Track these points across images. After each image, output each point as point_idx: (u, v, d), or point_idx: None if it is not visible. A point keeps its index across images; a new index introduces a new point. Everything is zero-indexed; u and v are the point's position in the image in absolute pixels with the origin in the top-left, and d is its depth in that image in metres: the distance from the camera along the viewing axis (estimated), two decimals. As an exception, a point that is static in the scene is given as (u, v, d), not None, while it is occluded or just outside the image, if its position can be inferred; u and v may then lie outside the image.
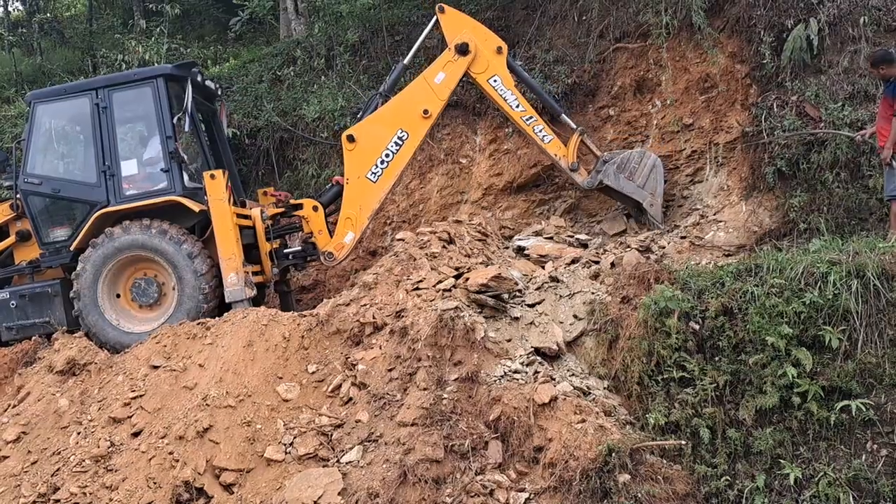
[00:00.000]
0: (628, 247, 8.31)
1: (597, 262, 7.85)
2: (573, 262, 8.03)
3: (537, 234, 9.33)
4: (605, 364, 6.57)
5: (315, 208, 9.36)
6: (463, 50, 9.17)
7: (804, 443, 5.57)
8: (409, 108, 9.25)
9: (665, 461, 5.77)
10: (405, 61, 9.77)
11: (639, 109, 9.95)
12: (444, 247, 8.37)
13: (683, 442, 5.78)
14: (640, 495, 5.43)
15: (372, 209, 9.25)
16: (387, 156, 9.16)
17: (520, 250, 8.79)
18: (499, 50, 9.28)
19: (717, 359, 6.02)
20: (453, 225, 9.01)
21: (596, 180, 9.25)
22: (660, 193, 9.10)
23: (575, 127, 9.45)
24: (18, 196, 9.10)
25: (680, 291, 6.34)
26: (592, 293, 7.18)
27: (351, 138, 9.21)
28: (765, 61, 8.67)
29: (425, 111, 9.18)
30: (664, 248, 8.39)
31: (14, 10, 24.07)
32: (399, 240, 8.66)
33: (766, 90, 8.77)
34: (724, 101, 9.30)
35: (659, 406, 5.97)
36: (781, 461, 5.52)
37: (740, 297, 6.08)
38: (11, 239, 9.40)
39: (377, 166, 9.16)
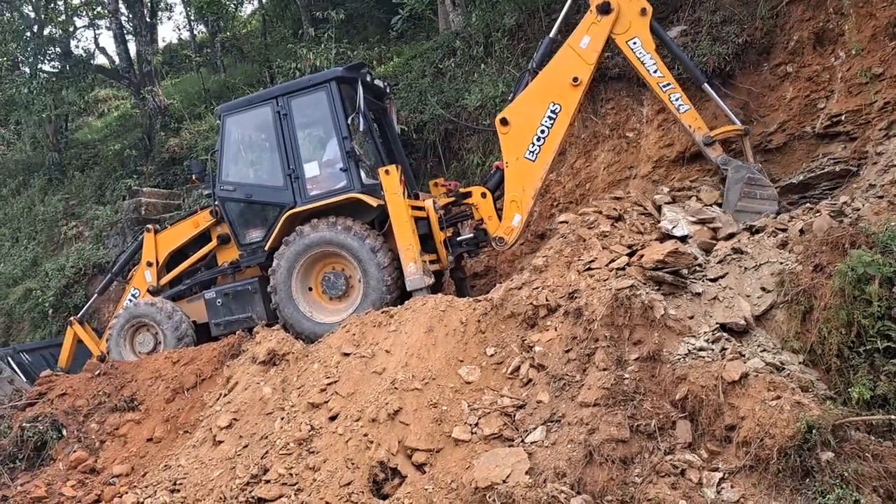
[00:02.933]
0: (818, 211, 7.77)
1: (784, 230, 7.41)
2: (756, 231, 7.64)
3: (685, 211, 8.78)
4: (799, 337, 6.20)
5: (483, 195, 9.47)
6: (605, 9, 8.86)
7: None
8: (557, 79, 9.07)
9: (873, 437, 5.38)
10: (551, 34, 9.54)
11: (820, 63, 9.25)
12: (612, 225, 8.23)
13: (894, 416, 5.36)
14: (846, 474, 5.10)
15: (535, 188, 9.17)
16: (542, 132, 9.06)
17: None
18: (643, 11, 8.89)
19: (926, 326, 5.53)
20: (616, 201, 8.81)
21: (729, 164, 8.79)
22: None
23: (740, 125, 9.00)
24: (216, 203, 9.92)
25: (880, 255, 5.87)
26: (781, 263, 6.80)
27: (504, 121, 9.18)
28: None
29: (574, 79, 8.97)
30: (859, 209, 7.76)
31: (199, 32, 26.18)
32: (562, 222, 8.60)
33: (969, 27, 7.89)
34: (919, 45, 8.46)
35: (863, 379, 5.57)
36: None
37: (950, 257, 5.54)
38: (213, 243, 10.29)
39: (534, 144, 9.08)
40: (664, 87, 8.96)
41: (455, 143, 12.66)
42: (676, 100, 8.95)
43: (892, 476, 5.15)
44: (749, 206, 8.50)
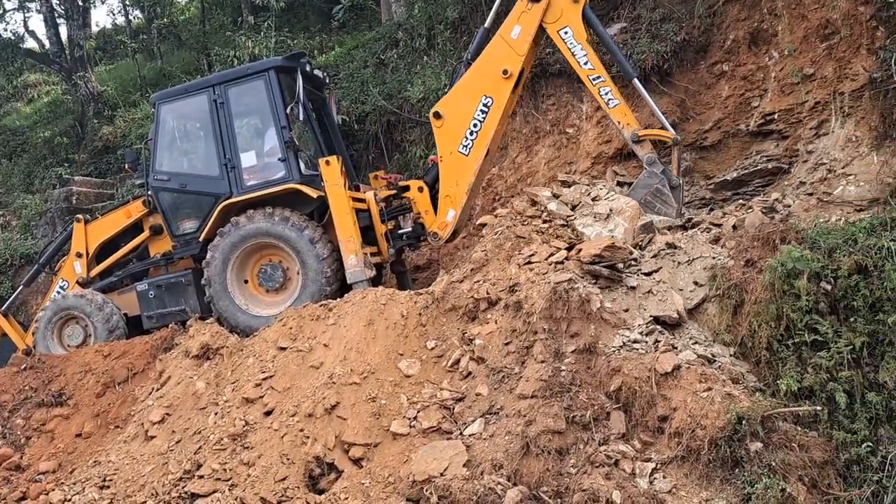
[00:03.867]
0: (750, 208, 7.96)
1: (718, 226, 7.57)
2: (692, 226, 7.78)
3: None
4: (730, 330, 6.35)
5: (420, 189, 9.40)
6: None
7: (954, 405, 5.22)
8: (489, 72, 8.83)
9: (799, 428, 5.53)
10: (486, 24, 9.29)
11: (755, 62, 9.46)
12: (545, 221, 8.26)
13: (819, 408, 5.53)
14: (773, 464, 5.24)
15: (469, 183, 9.01)
16: (475, 126, 8.87)
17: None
18: None
19: (852, 320, 5.71)
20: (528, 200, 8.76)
21: (652, 166, 8.53)
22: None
23: (674, 135, 8.65)
24: (149, 193, 9.67)
25: (809, 251, 6.03)
26: (713, 258, 6.94)
27: (437, 115, 9.06)
28: (892, 0, 8.06)
29: (504, 71, 8.73)
30: (790, 206, 7.98)
31: (134, 17, 25.46)
32: (482, 225, 8.60)
33: (894, 31, 8.15)
34: (847, 47, 8.71)
35: (790, 371, 5.73)
36: (929, 425, 5.20)
37: (876, 254, 5.74)
38: (146, 234, 10.03)
39: (467, 138, 8.91)
40: (594, 79, 8.63)
41: (397, 135, 12.59)
42: (606, 94, 8.62)
43: (816, 465, 5.31)
44: (649, 208, 8.40)
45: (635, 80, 8.74)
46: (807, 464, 5.29)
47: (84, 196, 14.76)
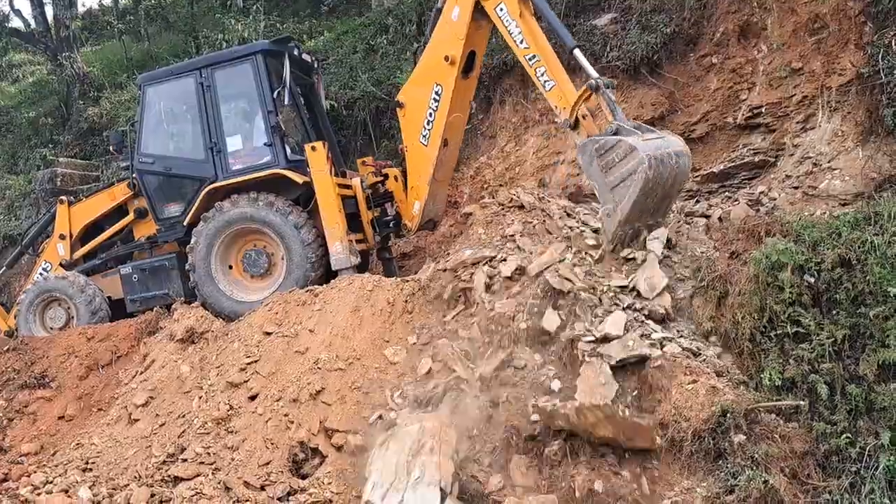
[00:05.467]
0: (736, 200, 8.00)
1: (707, 217, 7.61)
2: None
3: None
4: (714, 322, 6.38)
5: (396, 178, 9.37)
6: None
7: (933, 398, 5.27)
8: (435, 58, 8.46)
9: (781, 420, 5.58)
10: (439, 4, 8.63)
11: (744, 56, 9.47)
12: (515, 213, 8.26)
13: (802, 402, 5.57)
14: (756, 456, 5.30)
15: (428, 173, 8.76)
16: (430, 115, 8.56)
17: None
18: None
19: (834, 312, 5.75)
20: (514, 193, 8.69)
21: (579, 144, 7.35)
22: (625, 209, 6.75)
23: (596, 77, 7.33)
24: (134, 175, 9.59)
25: (793, 244, 6.08)
26: (701, 252, 6.97)
27: (399, 104, 8.90)
28: (881, -4, 8.10)
29: (446, 57, 8.30)
30: (775, 199, 8.03)
31: (121, -2, 25.12)
32: (467, 214, 8.56)
33: (882, 27, 8.17)
34: (835, 42, 8.74)
35: (773, 363, 5.77)
36: (908, 418, 5.25)
37: (859, 248, 5.78)
38: (130, 216, 9.98)
39: (425, 128, 8.63)
40: (530, 59, 7.77)
41: (386, 122, 12.52)
42: (542, 75, 7.73)
43: (797, 456, 5.37)
44: (619, 178, 6.82)
45: (576, 51, 7.65)
46: (788, 455, 5.35)
47: (69, 178, 14.61)
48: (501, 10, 7.87)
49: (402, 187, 9.30)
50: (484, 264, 7.32)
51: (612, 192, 6.84)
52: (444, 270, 7.52)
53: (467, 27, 8.24)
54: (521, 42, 7.81)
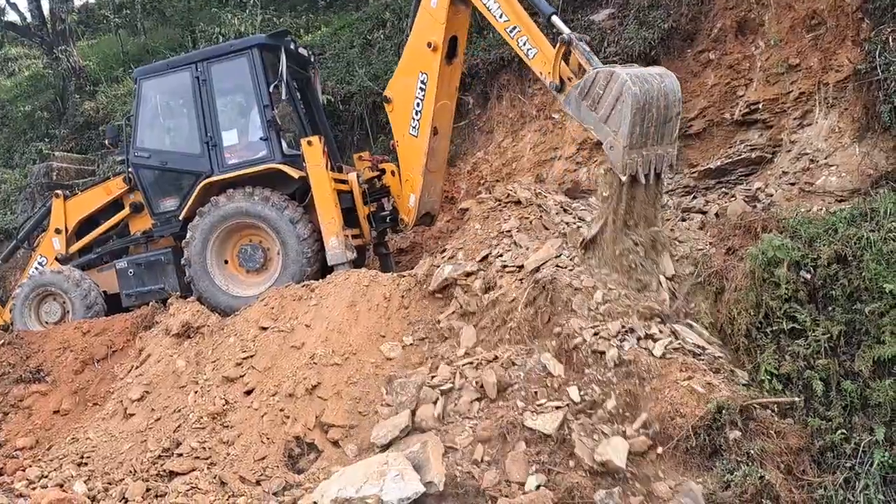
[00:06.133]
0: (733, 196, 8.00)
1: (704, 213, 7.61)
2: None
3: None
4: (711, 317, 6.39)
5: (393, 173, 9.36)
6: None
7: (928, 394, 5.28)
8: (418, 47, 8.49)
9: (776, 416, 5.60)
10: None
11: (741, 52, 9.45)
12: (512, 208, 8.25)
13: (797, 398, 5.59)
14: (752, 452, 5.31)
15: (421, 165, 8.78)
16: (418, 105, 8.57)
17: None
18: None
19: (830, 308, 5.77)
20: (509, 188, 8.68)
21: (569, 102, 7.15)
22: (624, 133, 6.50)
23: (568, 32, 7.19)
24: (130, 169, 9.57)
25: (789, 240, 6.09)
26: (699, 249, 6.97)
27: (387, 99, 8.91)
28: (878, -8, 8.09)
29: (429, 44, 8.33)
30: (772, 196, 8.03)
31: (118, -8, 25.02)
32: (464, 209, 8.56)
33: (880, 23, 8.17)
34: (833, 39, 8.74)
35: (769, 359, 5.78)
36: (903, 414, 5.26)
37: (855, 244, 5.79)
38: (126, 211, 9.95)
39: (414, 119, 8.66)
40: (511, 31, 7.71)
41: (382, 117, 12.43)
42: (524, 44, 7.63)
43: (793, 452, 5.38)
44: (609, 106, 6.64)
45: (554, 17, 7.44)
46: (783, 451, 5.37)
47: (64, 172, 14.58)
48: None
49: (398, 182, 9.28)
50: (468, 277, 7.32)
51: (606, 124, 6.67)
52: (431, 294, 7.52)
53: (447, 11, 8.27)
54: (501, 16, 7.78)
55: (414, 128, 8.67)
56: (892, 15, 8.06)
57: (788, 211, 7.01)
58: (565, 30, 7.21)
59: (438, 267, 7.58)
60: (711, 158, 9.67)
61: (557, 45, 7.24)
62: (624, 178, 6.56)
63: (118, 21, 20.84)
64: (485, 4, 7.83)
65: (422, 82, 8.50)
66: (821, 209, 7.17)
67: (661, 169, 6.77)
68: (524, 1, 7.83)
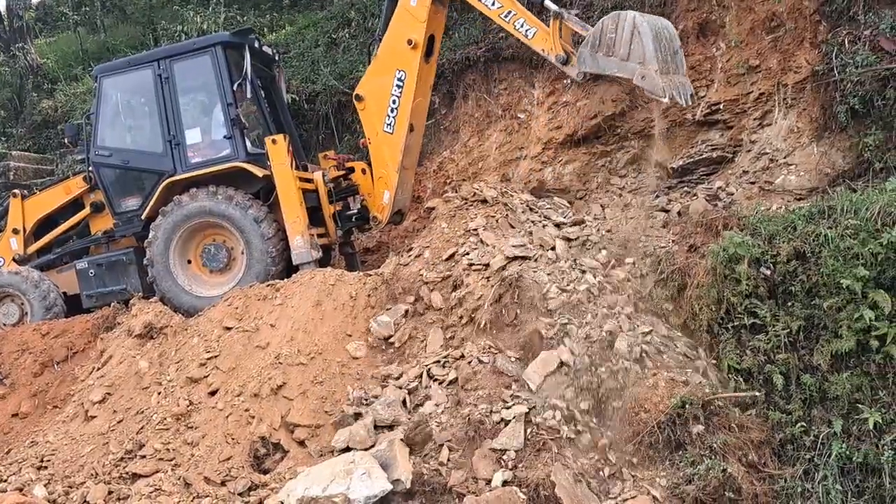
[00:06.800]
0: (695, 195, 8.12)
1: (667, 212, 7.71)
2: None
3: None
4: (673, 313, 6.47)
5: (363, 171, 9.33)
6: None
7: (883, 387, 5.43)
8: (397, 45, 8.60)
9: (738, 409, 5.69)
10: None
11: (702, 53, 9.59)
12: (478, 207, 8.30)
13: (758, 393, 5.70)
14: (715, 445, 5.41)
15: (397, 162, 8.85)
16: (394, 102, 8.67)
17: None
18: None
19: (789, 304, 5.88)
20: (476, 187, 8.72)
21: (577, 70, 7.67)
22: (650, 58, 6.94)
23: (557, 8, 7.83)
24: (91, 168, 9.42)
25: (750, 237, 6.20)
26: (662, 247, 7.06)
27: (358, 97, 8.94)
28: (835, -5, 8.28)
29: (409, 41, 8.48)
30: (733, 194, 8.17)
31: (76, -11, 24.58)
32: (430, 208, 8.60)
33: (836, 26, 8.37)
34: (791, 40, 8.92)
35: (730, 353, 5.88)
36: (860, 406, 5.40)
37: (813, 241, 5.91)
38: (86, 210, 9.79)
39: (389, 116, 8.72)
40: (506, 16, 8.08)
41: (348, 116, 12.43)
42: (522, 26, 8.04)
43: (754, 445, 5.49)
44: (626, 42, 7.14)
45: (547, 2, 7.97)
46: (745, 444, 5.47)
47: (22, 171, 14.28)
48: None
49: (369, 180, 9.25)
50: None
51: (629, 60, 7.07)
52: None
53: (428, 10, 8.43)
54: (493, 4, 8.09)
55: (389, 125, 8.73)
56: (849, 18, 8.26)
57: (749, 209, 7.14)
58: (552, 6, 7.78)
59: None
60: (674, 158, 9.80)
61: (551, 20, 7.74)
62: (666, 100, 7.01)
63: (77, 18, 20.45)
64: None
65: (399, 80, 8.60)
66: (780, 207, 7.31)
67: (687, 97, 7.23)
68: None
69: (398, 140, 8.77)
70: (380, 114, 8.78)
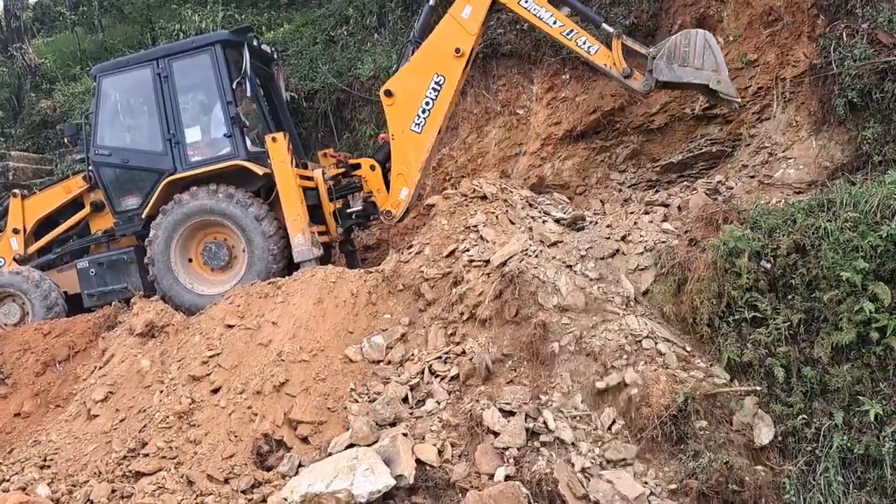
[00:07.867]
0: (695, 189, 8.13)
1: (667, 206, 7.72)
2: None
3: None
4: (675, 308, 6.48)
5: (372, 167, 9.33)
6: None
7: (884, 379, 5.43)
8: (440, 51, 8.82)
9: (740, 403, 5.71)
10: (431, 2, 9.30)
11: (701, 48, 9.63)
12: (478, 203, 8.30)
13: (759, 387, 5.71)
14: (717, 439, 5.42)
15: (422, 160, 8.99)
16: (427, 104, 8.84)
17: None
18: None
19: (789, 297, 5.89)
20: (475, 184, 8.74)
21: (651, 81, 8.37)
22: (722, 67, 8.10)
23: (611, 29, 8.55)
24: (90, 168, 9.42)
25: (750, 231, 6.20)
26: (663, 241, 7.07)
27: (388, 93, 8.99)
28: (833, -11, 8.29)
29: (457, 50, 8.73)
30: (732, 188, 8.18)
31: (74, -12, 24.53)
32: (430, 205, 8.63)
33: (834, 19, 8.37)
34: (789, 34, 8.93)
35: (731, 347, 5.89)
36: (860, 398, 5.40)
37: (813, 234, 5.92)
38: (86, 210, 9.79)
39: (419, 116, 8.86)
40: (568, 34, 8.55)
41: (347, 114, 12.46)
42: (584, 43, 8.52)
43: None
44: (699, 54, 8.13)
45: (604, 24, 8.67)
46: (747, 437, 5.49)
47: (21, 172, 14.28)
48: (527, 2, 8.57)
49: (378, 176, 9.27)
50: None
51: (703, 69, 8.09)
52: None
53: (480, 25, 8.84)
54: (556, 23, 8.57)
55: (418, 124, 8.87)
56: (846, 11, 8.27)
57: (748, 203, 7.14)
58: (608, 28, 8.57)
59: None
60: (673, 152, 9.83)
61: (613, 39, 8.46)
62: (739, 100, 8.28)
63: (75, 18, 20.43)
64: (536, 16, 8.60)
65: (436, 83, 8.79)
66: (780, 201, 7.31)
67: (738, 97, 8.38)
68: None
69: (426, 140, 8.89)
70: (409, 112, 8.89)
